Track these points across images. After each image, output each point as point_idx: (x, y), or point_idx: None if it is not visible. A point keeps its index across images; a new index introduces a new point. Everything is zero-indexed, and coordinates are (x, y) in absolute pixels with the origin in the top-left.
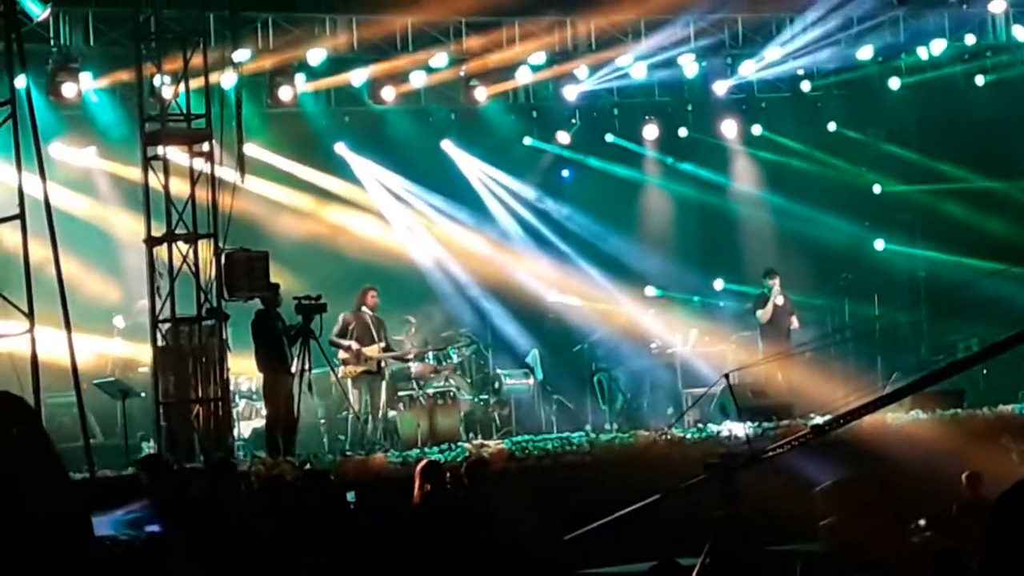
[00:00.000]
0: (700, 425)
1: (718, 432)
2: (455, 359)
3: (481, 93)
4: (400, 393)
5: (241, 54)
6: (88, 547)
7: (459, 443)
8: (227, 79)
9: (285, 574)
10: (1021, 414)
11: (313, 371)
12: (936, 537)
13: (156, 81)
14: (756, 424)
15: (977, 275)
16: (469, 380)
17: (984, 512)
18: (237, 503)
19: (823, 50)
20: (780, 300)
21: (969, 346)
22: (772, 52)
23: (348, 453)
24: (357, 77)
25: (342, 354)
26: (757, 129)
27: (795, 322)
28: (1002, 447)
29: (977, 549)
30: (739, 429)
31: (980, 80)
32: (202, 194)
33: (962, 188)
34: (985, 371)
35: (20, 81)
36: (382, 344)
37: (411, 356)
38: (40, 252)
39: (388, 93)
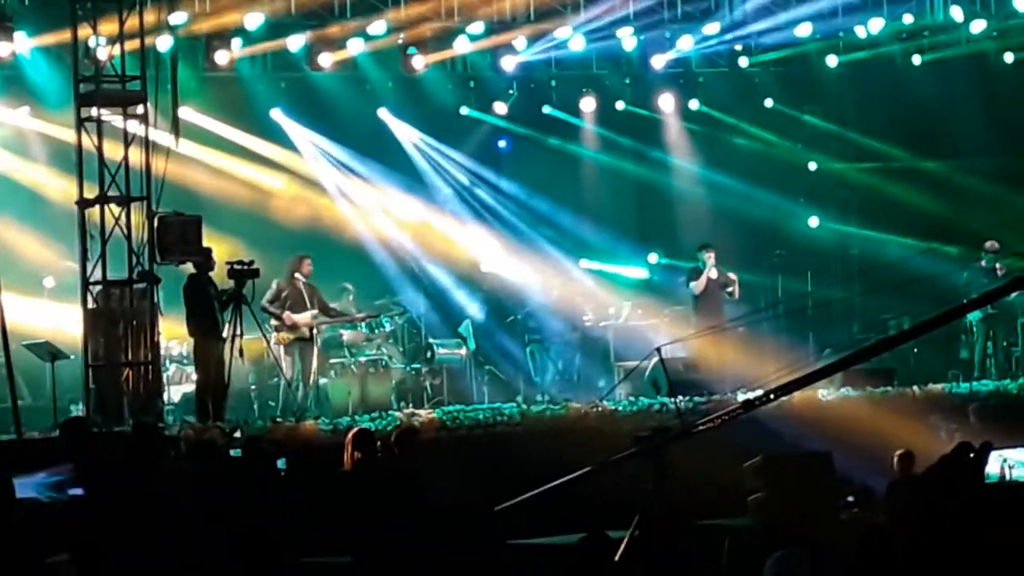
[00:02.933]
0: (632, 398)
1: (649, 405)
2: (388, 327)
3: (419, 61)
4: (332, 361)
5: (177, 17)
6: (9, 509)
7: (390, 412)
8: (163, 42)
9: (215, 539)
10: (950, 393)
11: (244, 337)
12: (865, 513)
13: (91, 42)
14: (687, 398)
15: (910, 253)
16: (401, 349)
17: (914, 490)
18: (161, 468)
19: (761, 26)
20: (714, 274)
21: (900, 324)
22: (710, 27)
23: (279, 420)
24: (294, 43)
25: (274, 321)
26: (694, 104)
27: (735, 292)
28: (931, 425)
29: (906, 525)
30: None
31: (917, 59)
32: (136, 157)
33: (897, 167)
34: (916, 350)
35: None
36: (314, 311)
37: (344, 319)
38: None
39: (325, 59)
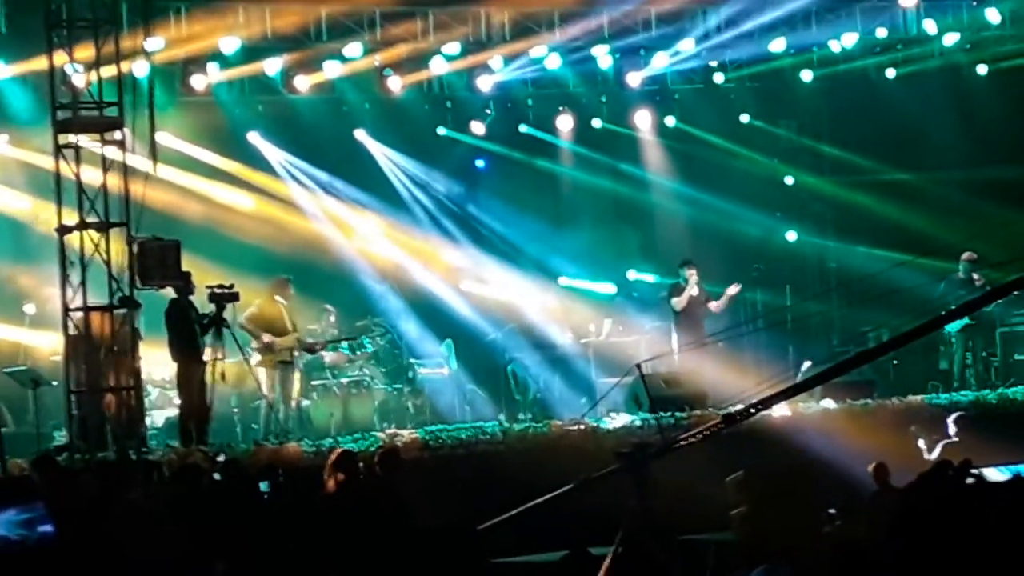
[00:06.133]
0: (613, 415)
1: (631, 421)
2: (369, 348)
3: (395, 83)
4: (314, 382)
5: (154, 43)
6: None
7: (372, 432)
8: (140, 68)
9: (199, 565)
10: (930, 404)
11: (226, 360)
12: (847, 526)
13: (68, 69)
14: (668, 414)
15: (887, 265)
16: (383, 369)
17: (895, 504)
18: (132, 499)
19: (736, 42)
20: (695, 291)
21: (879, 336)
22: (685, 44)
23: (261, 442)
24: (271, 66)
25: (255, 343)
26: (671, 120)
27: (714, 305)
28: (911, 437)
29: (887, 538)
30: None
31: (891, 73)
32: (114, 183)
33: (873, 180)
34: (895, 361)
35: None
36: (296, 334)
37: (320, 348)
38: None
39: (302, 83)
